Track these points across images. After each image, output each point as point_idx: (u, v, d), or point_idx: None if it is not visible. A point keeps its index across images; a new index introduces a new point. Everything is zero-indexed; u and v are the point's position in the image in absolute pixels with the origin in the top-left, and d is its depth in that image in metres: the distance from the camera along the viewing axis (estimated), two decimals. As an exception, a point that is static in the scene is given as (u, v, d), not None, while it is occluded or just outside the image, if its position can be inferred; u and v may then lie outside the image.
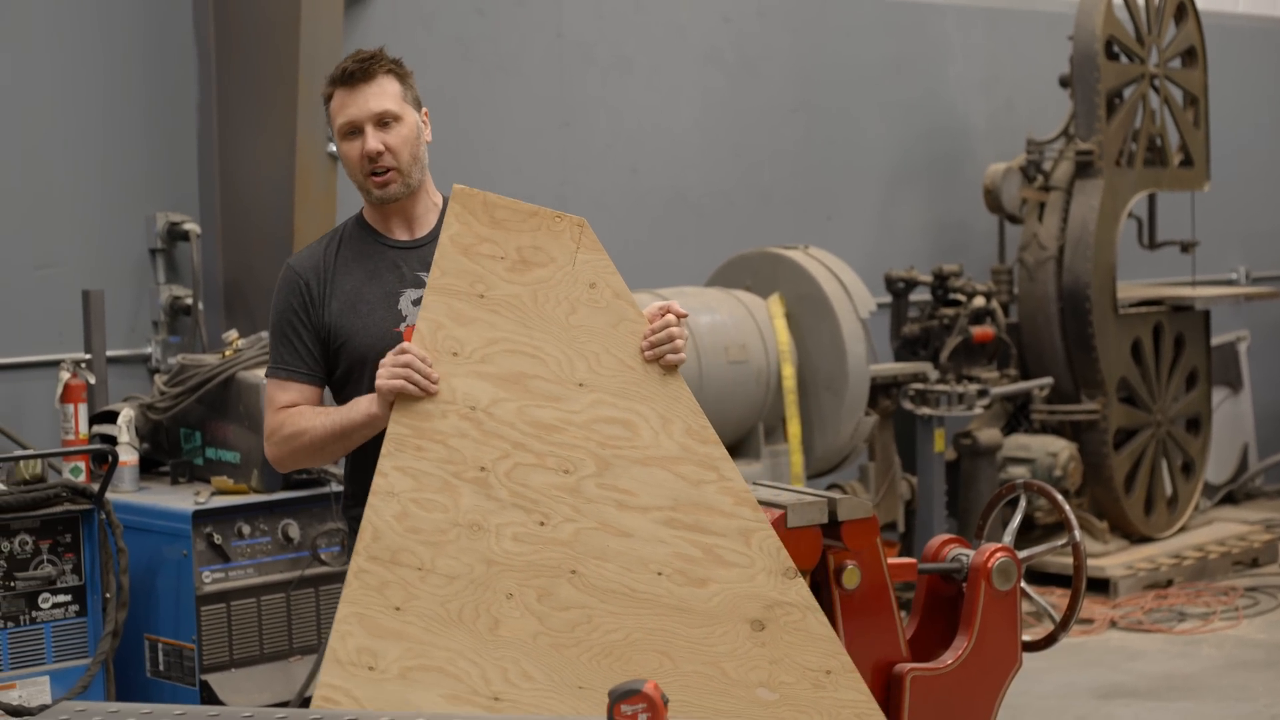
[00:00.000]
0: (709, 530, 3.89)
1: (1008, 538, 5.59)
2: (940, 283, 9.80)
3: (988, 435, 9.68)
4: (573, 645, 3.88)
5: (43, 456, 6.51)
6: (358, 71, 4.22)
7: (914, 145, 11.14)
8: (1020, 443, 10.08)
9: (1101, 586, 9.87)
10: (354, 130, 4.23)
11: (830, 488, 9.20)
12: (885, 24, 11.02)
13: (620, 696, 3.02)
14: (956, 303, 9.77)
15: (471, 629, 3.86)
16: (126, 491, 6.69)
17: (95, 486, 6.29)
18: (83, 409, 6.96)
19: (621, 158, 9.75)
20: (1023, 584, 5.46)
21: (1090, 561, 10.01)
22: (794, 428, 8.60)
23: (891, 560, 5.34)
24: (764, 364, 8.50)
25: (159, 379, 7.08)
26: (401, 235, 4.35)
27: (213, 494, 6.52)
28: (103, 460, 6.57)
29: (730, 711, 3.90)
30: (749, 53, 10.32)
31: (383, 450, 3.94)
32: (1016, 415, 10.37)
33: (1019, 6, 11.78)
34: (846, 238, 10.58)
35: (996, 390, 9.62)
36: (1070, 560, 5.55)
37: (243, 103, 7.82)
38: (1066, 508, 5.56)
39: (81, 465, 6.72)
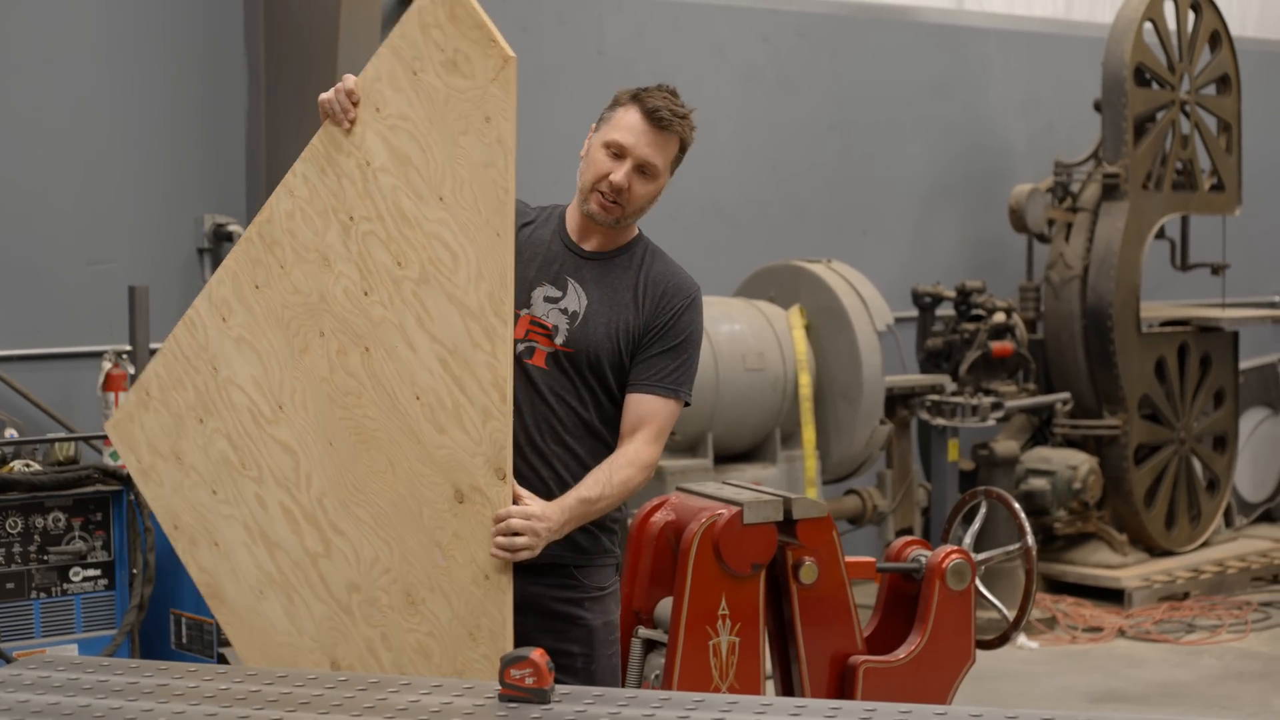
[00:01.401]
0: (465, 390, 4.05)
1: (967, 540, 5.93)
2: (963, 298, 10.13)
3: (1004, 447, 10.01)
4: (340, 407, 4.22)
5: (74, 440, 6.99)
6: (666, 120, 4.32)
7: (951, 164, 11.46)
8: (1042, 455, 10.38)
9: (1116, 597, 10.16)
10: (620, 154, 4.31)
11: (848, 493, 9.59)
12: (926, 46, 11.35)
13: (510, 661, 3.41)
14: (978, 318, 10.09)
15: (289, 340, 4.29)
16: (158, 475, 7.12)
17: (126, 469, 6.75)
18: (123, 397, 7.43)
19: (659, 170, 10.11)
20: (978, 584, 5.77)
21: (1106, 573, 10.32)
22: (809, 434, 8.96)
23: (850, 559, 5.68)
24: (781, 372, 8.87)
25: (195, 371, 7.53)
26: (579, 240, 4.45)
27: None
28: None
29: (412, 549, 4.16)
30: (787, 71, 10.68)
31: (302, 154, 4.29)
32: (1042, 429, 10.68)
33: (1062, 31, 12.08)
34: (881, 252, 10.95)
35: (1012, 404, 9.94)
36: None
37: (287, 111, 8.27)
38: (1021, 515, 5.91)
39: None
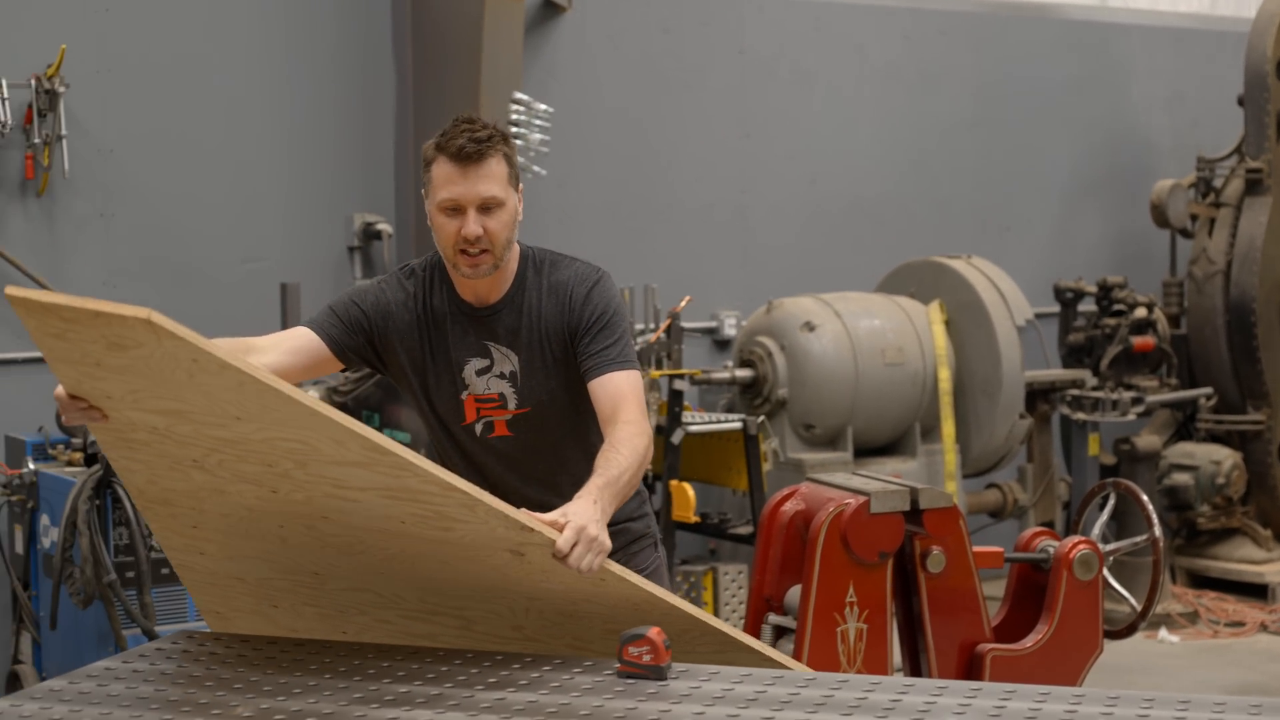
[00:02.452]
0: (430, 503, 3.56)
1: (1095, 531, 6.01)
2: (1105, 294, 10.15)
3: (1146, 442, 10.02)
4: (360, 553, 3.79)
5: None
6: (473, 152, 4.03)
7: (1094, 160, 11.47)
8: (1185, 450, 10.37)
9: (1259, 592, 10.14)
10: (455, 209, 4.08)
11: (988, 487, 9.66)
12: (1068, 43, 11.37)
13: (628, 639, 3.55)
14: (1120, 313, 10.11)
15: (265, 543, 3.84)
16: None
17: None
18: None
19: (801, 168, 10.25)
20: (1105, 575, 5.84)
21: (1250, 568, 10.29)
22: (948, 428, 9.05)
23: (978, 549, 5.79)
24: (921, 367, 8.97)
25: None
26: (474, 302, 4.23)
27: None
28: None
29: (526, 592, 3.81)
30: (929, 69, 10.75)
31: (103, 448, 3.82)
32: (1185, 425, 10.67)
33: (1205, 26, 12.04)
34: (1024, 249, 11.00)
35: (1154, 399, 9.95)
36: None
37: (433, 115, 8.48)
38: (1149, 506, 5.97)
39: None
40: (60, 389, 3.55)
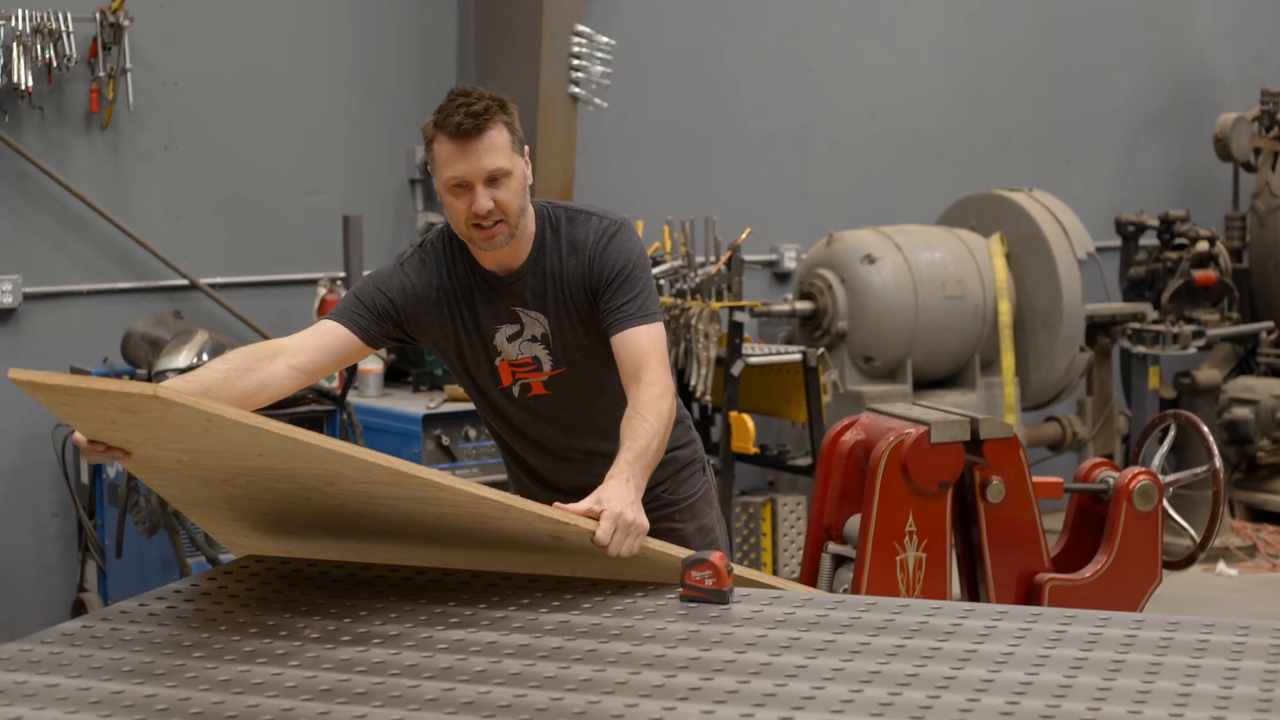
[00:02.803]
0: (464, 506, 3.55)
1: (1155, 463, 6.02)
2: (1166, 227, 10.11)
3: (1206, 375, 9.99)
4: (403, 534, 3.77)
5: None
6: (471, 127, 3.99)
7: (1158, 94, 11.40)
8: (1245, 384, 10.33)
9: (1320, 525, 10.14)
10: (462, 186, 4.03)
11: (1048, 420, 9.67)
12: (1133, -26, 11.30)
13: (691, 563, 3.59)
14: (1181, 246, 10.07)
15: (304, 527, 3.84)
16: (371, 396, 7.45)
17: (339, 389, 7.05)
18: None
19: (861, 101, 10.23)
20: (1165, 505, 5.84)
21: (1310, 500, 10.28)
22: (1008, 361, 9.05)
23: (1038, 479, 5.80)
24: (980, 300, 8.96)
25: (407, 297, 7.81)
26: (498, 270, 4.21)
27: (444, 400, 7.22)
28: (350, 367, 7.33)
29: (574, 549, 3.73)
30: (992, 2, 10.69)
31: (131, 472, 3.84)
32: (1246, 359, 10.63)
33: (1272, -43, 11.95)
34: (1086, 182, 10.95)
35: (1214, 332, 9.92)
36: None
37: (495, 47, 8.50)
38: (1209, 437, 5.98)
39: (335, 373, 7.45)
40: (79, 435, 3.57)
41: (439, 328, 4.23)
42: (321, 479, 3.52)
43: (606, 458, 3.94)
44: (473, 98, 4.02)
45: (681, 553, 3.71)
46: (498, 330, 4.22)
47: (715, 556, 3.59)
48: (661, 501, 4.41)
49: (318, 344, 4.17)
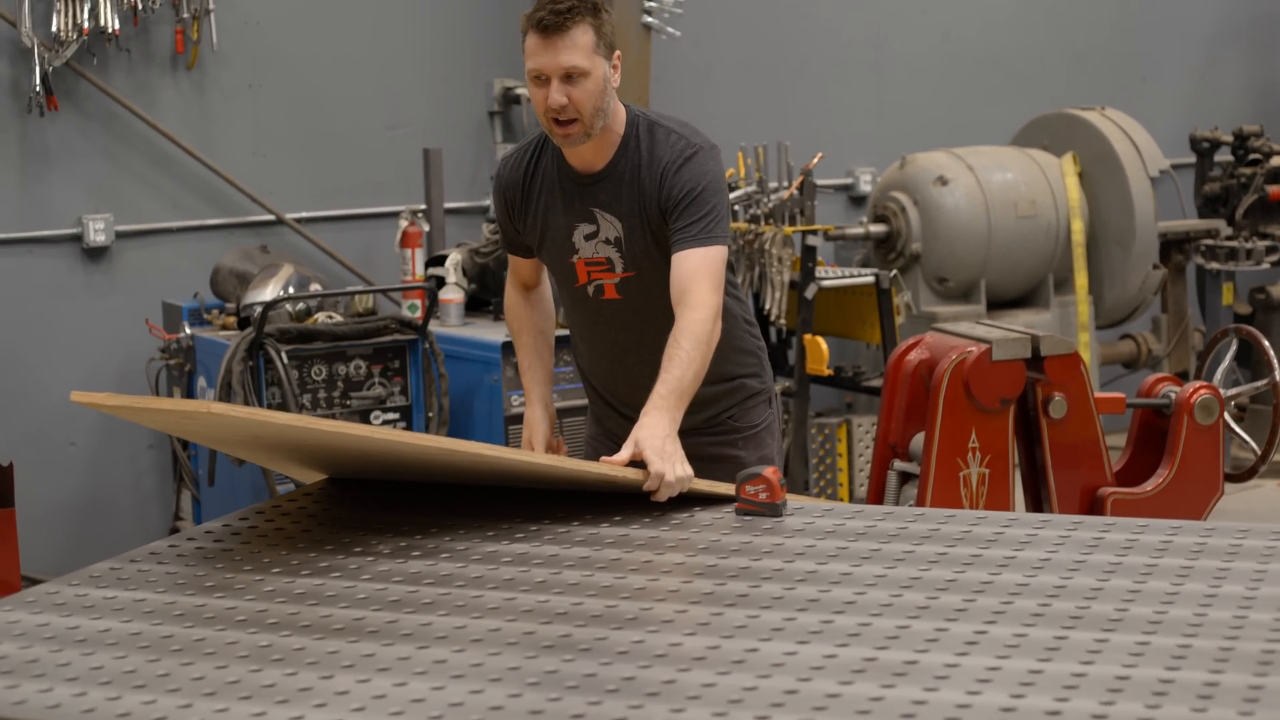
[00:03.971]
0: (517, 468, 3.83)
1: (1216, 377, 6.13)
2: (1240, 143, 10.12)
3: (1282, 291, 10.05)
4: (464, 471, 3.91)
5: (369, 292, 7.55)
6: (553, 23, 4.12)
7: (1235, 9, 11.38)
8: (1322, 298, 10.38)
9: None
10: (540, 78, 4.17)
11: (1122, 338, 9.75)
12: (1208, -113, 11.28)
13: (745, 479, 3.76)
14: (1256, 162, 10.09)
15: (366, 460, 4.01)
16: (452, 325, 7.63)
17: (421, 319, 7.26)
18: (419, 254, 7.94)
19: (935, 22, 10.29)
20: (1226, 418, 5.95)
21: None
22: (1081, 280, 9.14)
23: (1100, 395, 5.94)
24: (1053, 219, 9.05)
25: (485, 227, 8.00)
26: (581, 169, 4.36)
27: (523, 328, 7.39)
28: (431, 297, 7.52)
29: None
30: (1065, -80, 10.73)
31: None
32: (1325, 272, 10.65)
33: None
34: (1162, 99, 10.97)
35: (1289, 247, 9.97)
36: None
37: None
38: (1270, 351, 6.09)
39: (418, 302, 7.65)
40: None
41: (532, 217, 4.44)
42: (382, 448, 3.76)
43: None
44: None
45: (726, 487, 3.87)
46: (576, 228, 4.37)
47: (769, 471, 3.75)
48: (726, 427, 4.56)
49: (527, 270, 4.63)
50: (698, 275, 4.20)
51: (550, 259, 4.48)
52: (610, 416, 4.63)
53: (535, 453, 3.84)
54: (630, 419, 4.18)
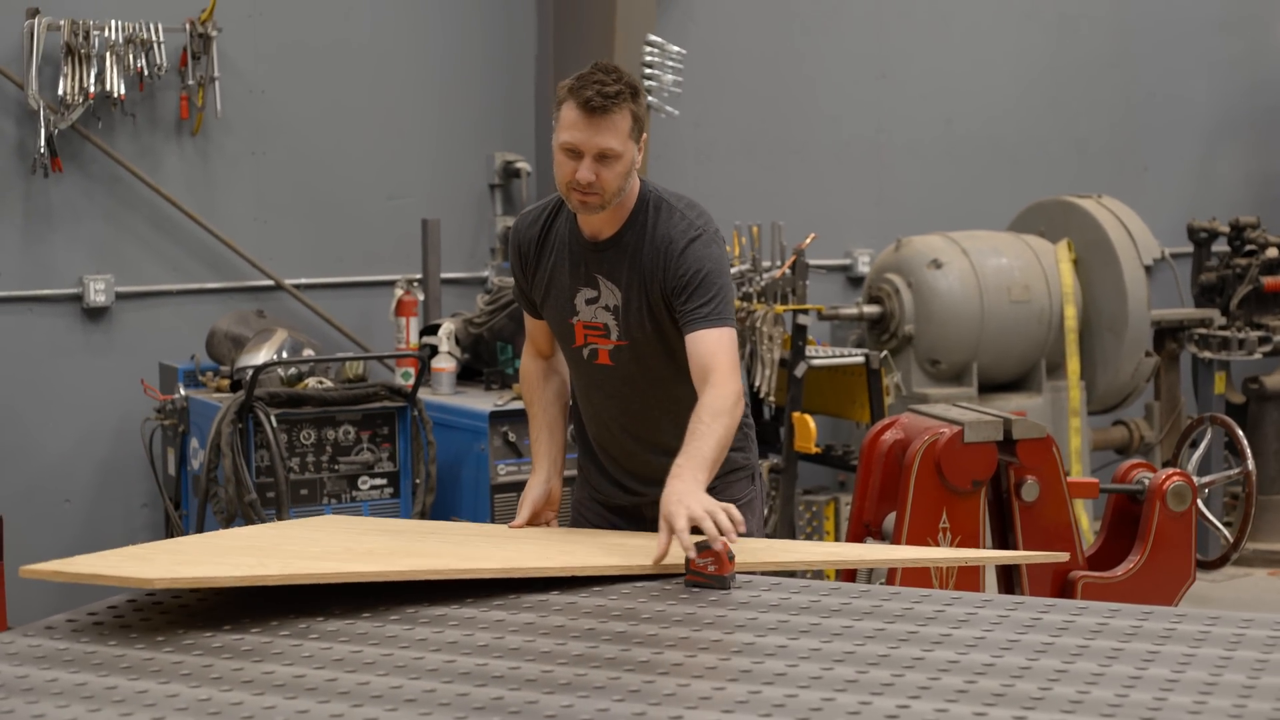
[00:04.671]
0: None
1: (1190, 465, 6.19)
2: (1237, 234, 10.21)
3: (1275, 381, 10.08)
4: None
5: (359, 359, 7.66)
6: (599, 105, 4.23)
7: (1237, 101, 11.50)
8: (1316, 390, 10.43)
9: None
10: (574, 151, 4.27)
11: (1116, 424, 9.81)
12: (1210, -17, 11.40)
13: (698, 548, 3.83)
14: (1251, 253, 10.17)
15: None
16: (444, 394, 7.73)
17: (411, 387, 7.35)
18: (414, 322, 8.04)
19: (937, 108, 10.41)
20: (1199, 506, 6.00)
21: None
22: (1073, 365, 9.21)
23: (1073, 480, 5.99)
24: (1047, 304, 9.14)
25: (480, 298, 8.10)
26: (590, 235, 4.48)
27: (512, 398, 7.48)
28: (422, 365, 7.61)
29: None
30: (1068, 11, 10.84)
31: None
32: (1321, 365, 10.70)
33: (1354, -35, 11.99)
34: (1163, 188, 11.08)
35: (1282, 338, 10.03)
36: None
37: (573, 55, 8.74)
38: (1243, 439, 6.14)
39: (411, 370, 7.73)
40: None
41: (540, 273, 4.57)
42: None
43: (659, 451, 4.40)
44: (610, 79, 4.27)
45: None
46: (580, 290, 4.50)
47: (720, 544, 3.82)
48: None
49: (543, 336, 4.73)
50: (718, 354, 4.34)
51: (551, 316, 4.59)
52: (596, 476, 4.78)
53: (556, 549, 3.97)
54: (616, 484, 4.52)
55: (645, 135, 4.41)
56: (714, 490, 4.50)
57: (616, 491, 4.75)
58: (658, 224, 4.44)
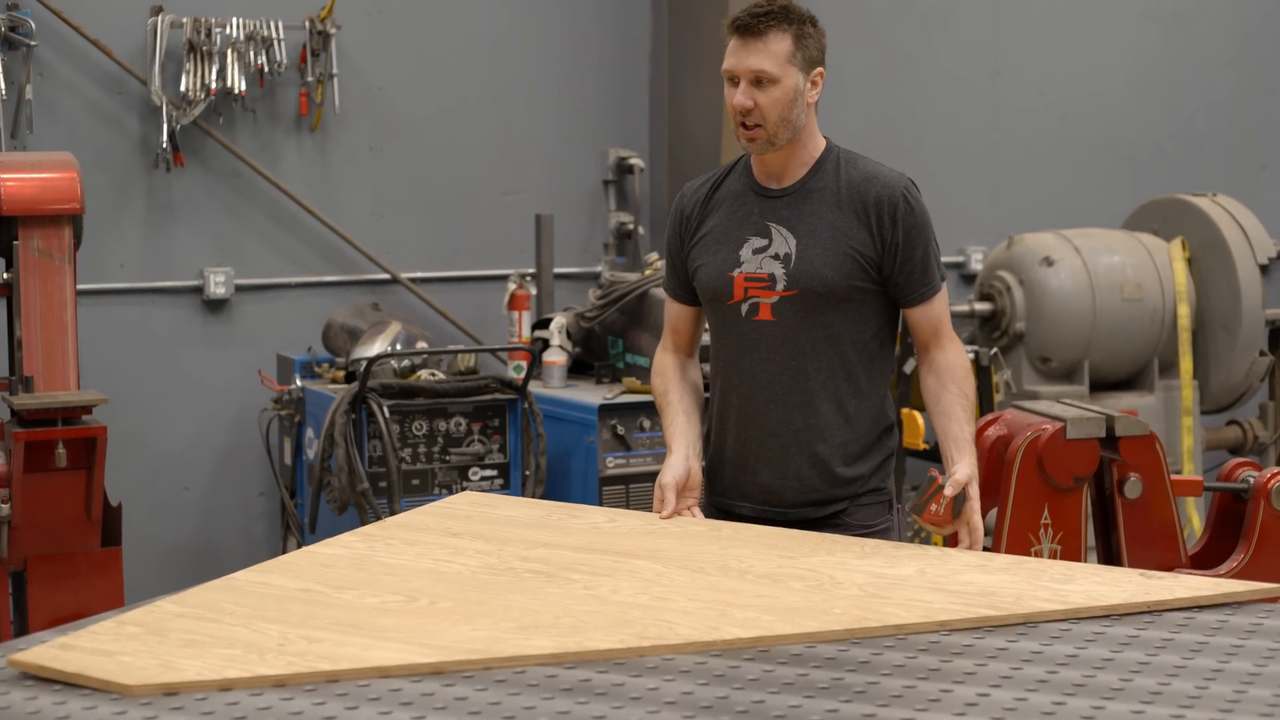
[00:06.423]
0: None
1: (1298, 463, 6.17)
2: (1354, 231, 10.13)
3: (1392, 382, 10.01)
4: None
5: (470, 351, 7.78)
6: (749, 26, 4.17)
7: (1358, 98, 11.40)
8: None
9: None
10: (733, 79, 4.21)
11: (1229, 424, 9.75)
12: (1333, -21, 11.29)
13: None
14: (1369, 251, 10.07)
15: None
16: (554, 387, 7.82)
17: (523, 379, 7.46)
18: (526, 316, 8.14)
19: (1052, 106, 10.38)
20: (1303, 505, 5.97)
21: None
22: (1186, 364, 9.17)
23: (1178, 478, 5.99)
24: (1159, 303, 9.10)
25: (592, 293, 8.19)
26: (766, 183, 4.36)
27: (621, 392, 7.57)
28: (534, 358, 7.71)
29: None
30: (1185, 8, 10.78)
31: None
32: None
33: None
34: (1280, 187, 11.01)
35: (1399, 339, 9.94)
36: None
37: (686, 52, 8.84)
38: (1353, 439, 6.12)
39: (523, 363, 7.84)
40: None
41: (702, 231, 4.42)
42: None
43: (808, 456, 4.32)
44: (767, 3, 4.22)
45: None
46: (747, 240, 4.33)
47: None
48: (841, 524, 4.40)
49: (686, 333, 4.59)
50: (940, 323, 4.40)
51: (707, 277, 4.37)
52: (725, 474, 4.48)
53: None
54: (746, 480, 4.40)
55: (820, 69, 4.30)
56: (843, 513, 4.40)
57: (747, 506, 4.44)
58: (851, 170, 4.32)
